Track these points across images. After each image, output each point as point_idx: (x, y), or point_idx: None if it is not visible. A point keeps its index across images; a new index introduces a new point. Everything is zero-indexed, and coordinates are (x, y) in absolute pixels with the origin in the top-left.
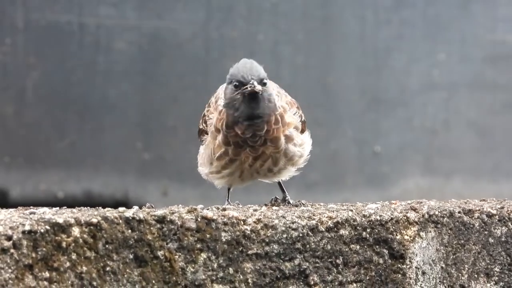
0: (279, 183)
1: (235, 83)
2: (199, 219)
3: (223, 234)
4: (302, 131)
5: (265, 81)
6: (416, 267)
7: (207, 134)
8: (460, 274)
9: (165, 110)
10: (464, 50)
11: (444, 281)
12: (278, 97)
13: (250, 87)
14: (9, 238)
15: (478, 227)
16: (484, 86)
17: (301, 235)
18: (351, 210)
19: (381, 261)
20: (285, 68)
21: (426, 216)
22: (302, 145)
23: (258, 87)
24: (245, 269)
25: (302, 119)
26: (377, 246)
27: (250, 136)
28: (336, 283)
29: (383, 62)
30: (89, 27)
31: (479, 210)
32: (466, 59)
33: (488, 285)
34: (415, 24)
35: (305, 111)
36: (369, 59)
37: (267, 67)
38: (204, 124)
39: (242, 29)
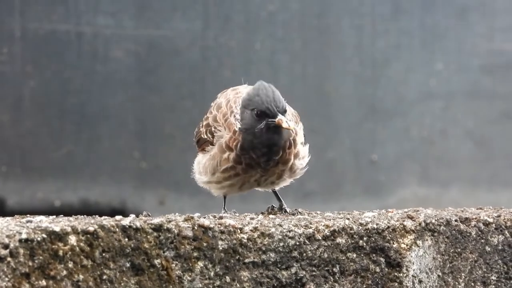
0: (274, 192)
1: (257, 111)
2: (196, 228)
3: (220, 242)
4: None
5: (285, 108)
6: (412, 276)
7: (212, 144)
8: (456, 283)
9: (163, 119)
10: (462, 60)
11: None
12: (292, 117)
13: (278, 121)
14: (5, 246)
15: (475, 236)
16: (482, 96)
17: (298, 243)
18: (348, 219)
19: (377, 269)
20: (282, 77)
21: (423, 224)
22: (304, 158)
23: (286, 123)
24: (242, 277)
25: (304, 132)
26: (374, 255)
27: (265, 160)
28: None
29: (380, 71)
30: (87, 36)
31: (475, 218)
32: (464, 68)
33: None
34: (412, 34)
35: (302, 120)
36: (366, 69)
37: (264, 76)
38: (209, 135)
39: (240, 38)
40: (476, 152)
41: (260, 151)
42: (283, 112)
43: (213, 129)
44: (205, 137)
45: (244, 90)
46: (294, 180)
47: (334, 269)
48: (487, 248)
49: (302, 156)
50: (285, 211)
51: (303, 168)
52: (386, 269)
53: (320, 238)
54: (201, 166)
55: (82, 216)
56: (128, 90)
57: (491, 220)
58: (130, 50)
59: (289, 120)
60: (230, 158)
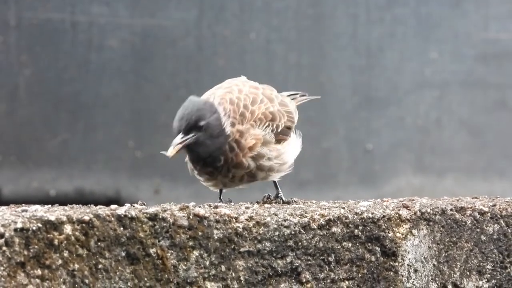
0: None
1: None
2: (191, 217)
3: (215, 231)
4: (280, 141)
5: (200, 124)
6: (408, 265)
7: None
8: (452, 272)
9: (157, 108)
10: (456, 49)
11: (436, 278)
12: (236, 121)
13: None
14: (1, 235)
15: (470, 225)
16: (476, 85)
17: (293, 232)
18: (343, 208)
19: (373, 258)
20: (277, 66)
21: (418, 213)
22: (278, 157)
23: (171, 149)
24: (237, 266)
25: (279, 130)
26: (369, 244)
27: (212, 169)
28: (328, 281)
29: (375, 60)
30: (82, 25)
31: (471, 207)
32: (458, 57)
33: (480, 282)
34: (407, 23)
35: (297, 109)
36: (361, 58)
37: (259, 65)
38: None
39: (235, 27)
40: (471, 141)
41: (198, 164)
42: (187, 130)
43: None
44: None
45: (232, 83)
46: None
47: (330, 258)
48: (483, 237)
49: (274, 155)
50: (281, 200)
51: (284, 164)
52: (382, 258)
53: (316, 227)
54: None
55: (77, 205)
56: (123, 79)
57: (486, 209)
58: (125, 39)
59: (176, 143)
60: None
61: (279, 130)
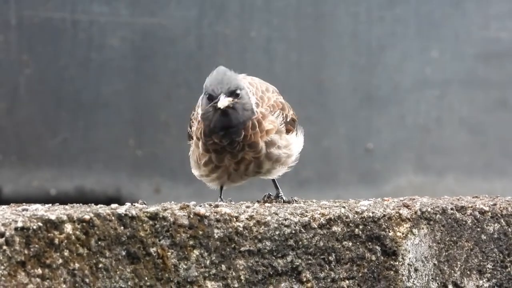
0: (273, 180)
1: (206, 94)
2: (191, 216)
3: (215, 230)
4: (288, 131)
5: (238, 92)
6: (408, 264)
7: (192, 138)
8: (452, 271)
9: (158, 107)
10: (457, 48)
11: (437, 278)
12: (259, 103)
13: (215, 103)
14: (1, 234)
15: (470, 224)
16: (477, 84)
17: (293, 232)
18: (344, 207)
19: (373, 258)
20: (277, 66)
21: (419, 213)
22: (287, 147)
23: (223, 103)
24: (238, 266)
25: (288, 120)
26: (370, 243)
27: (228, 143)
28: (329, 280)
29: (376, 59)
30: (82, 24)
31: (471, 207)
32: (459, 56)
33: (481, 282)
34: (408, 22)
35: (298, 108)
36: (361, 57)
37: (260, 64)
38: (189, 129)
39: (235, 26)
40: (471, 140)
41: (219, 135)
42: (231, 93)
43: (191, 123)
44: (188, 131)
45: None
46: (290, 167)
47: (330, 258)
48: (483, 237)
49: (283, 145)
50: (282, 199)
51: (289, 156)
52: (382, 258)
53: (316, 226)
54: (191, 161)
55: (77, 204)
56: (123, 78)
57: (487, 208)
58: (126, 38)
59: (225, 99)
60: (200, 148)
61: (287, 120)
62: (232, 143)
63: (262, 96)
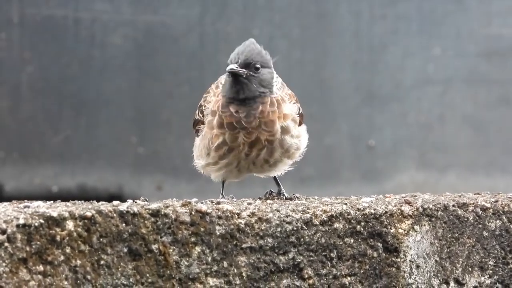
0: (274, 177)
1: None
2: (193, 213)
3: (217, 227)
4: (300, 124)
5: (257, 66)
6: (410, 261)
7: (204, 124)
8: (454, 268)
9: (160, 105)
10: (459, 45)
11: (438, 274)
12: (282, 87)
13: (227, 69)
14: (3, 231)
15: (472, 221)
16: (479, 81)
17: (295, 228)
18: (346, 204)
19: (375, 254)
20: (280, 63)
21: (421, 209)
22: (299, 137)
23: (231, 67)
24: (239, 262)
25: (300, 111)
26: (371, 240)
27: (245, 115)
28: (330, 277)
29: (378, 57)
30: (85, 21)
31: (473, 203)
32: (461, 53)
33: (482, 278)
34: (410, 19)
35: (301, 105)
36: (364, 54)
37: None
38: (200, 114)
39: (237, 24)
40: (473, 137)
41: (236, 105)
42: (247, 65)
43: (203, 108)
44: (198, 117)
45: None
46: (293, 162)
47: (332, 254)
48: (485, 233)
49: (296, 134)
50: (283, 196)
51: (298, 149)
52: (384, 254)
53: (318, 223)
54: (197, 149)
55: (79, 201)
56: (125, 76)
57: (488, 205)
58: (128, 35)
59: (234, 65)
60: (215, 124)
61: (300, 112)
62: (248, 115)
63: (284, 84)
